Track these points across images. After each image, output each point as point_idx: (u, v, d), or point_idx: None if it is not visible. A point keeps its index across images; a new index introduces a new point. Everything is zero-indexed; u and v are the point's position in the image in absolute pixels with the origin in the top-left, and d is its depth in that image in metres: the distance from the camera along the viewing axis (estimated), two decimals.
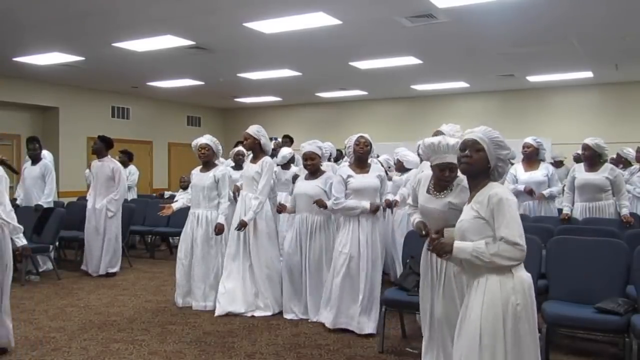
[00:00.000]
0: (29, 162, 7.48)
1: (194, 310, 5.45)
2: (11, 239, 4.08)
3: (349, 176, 4.75)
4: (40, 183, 7.30)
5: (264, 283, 5.28)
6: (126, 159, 9.69)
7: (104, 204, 7.11)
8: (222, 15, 6.40)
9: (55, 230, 6.87)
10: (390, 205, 5.13)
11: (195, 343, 4.45)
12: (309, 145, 5.06)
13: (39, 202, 7.14)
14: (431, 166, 3.26)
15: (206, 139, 5.68)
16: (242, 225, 5.20)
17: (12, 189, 10.28)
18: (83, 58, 8.67)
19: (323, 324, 4.86)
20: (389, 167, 6.62)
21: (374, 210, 4.68)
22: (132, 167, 9.78)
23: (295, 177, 5.74)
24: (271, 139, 6.34)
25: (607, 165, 5.90)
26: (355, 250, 4.64)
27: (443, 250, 2.55)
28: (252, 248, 5.30)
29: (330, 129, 13.39)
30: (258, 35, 7.12)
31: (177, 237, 8.64)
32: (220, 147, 5.77)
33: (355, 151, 4.80)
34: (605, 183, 5.76)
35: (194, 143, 5.74)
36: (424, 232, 3.20)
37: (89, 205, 7.21)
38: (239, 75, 10.18)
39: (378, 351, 4.24)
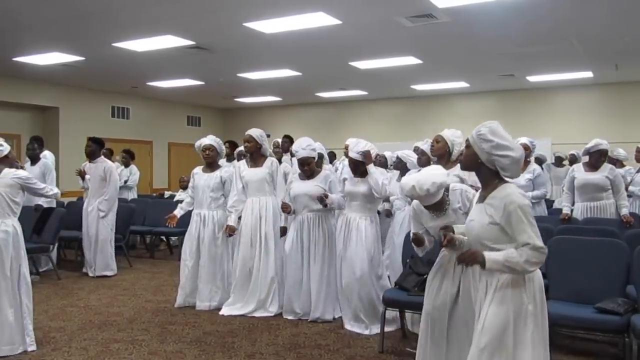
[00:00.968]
0: (29, 162, 7.48)
1: (197, 310, 5.45)
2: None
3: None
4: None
5: (264, 283, 5.28)
6: (128, 158, 9.70)
7: (95, 205, 7.11)
8: (222, 15, 6.40)
9: (55, 230, 6.86)
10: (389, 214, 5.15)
11: (195, 343, 4.45)
12: (303, 151, 4.97)
13: (39, 202, 7.13)
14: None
15: (210, 139, 5.66)
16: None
17: None
18: (83, 58, 8.67)
19: (323, 324, 4.88)
20: (391, 165, 6.61)
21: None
22: (133, 167, 9.78)
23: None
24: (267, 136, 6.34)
25: (607, 165, 5.90)
26: (350, 251, 4.69)
27: (475, 261, 2.47)
28: (268, 250, 5.30)
29: (330, 129, 13.39)
30: (258, 35, 7.13)
31: (177, 237, 8.70)
32: (223, 147, 5.78)
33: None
34: (606, 182, 5.76)
35: (197, 144, 5.72)
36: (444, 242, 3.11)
37: (84, 206, 7.24)
38: (239, 75, 10.18)
39: (378, 351, 4.24)
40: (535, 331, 2.43)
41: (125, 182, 9.41)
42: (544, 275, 4.10)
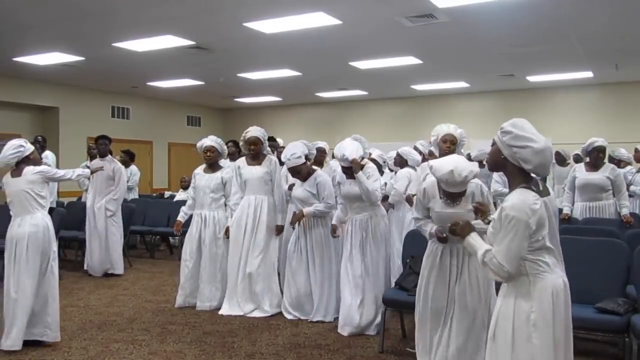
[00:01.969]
0: None
1: (198, 310, 5.45)
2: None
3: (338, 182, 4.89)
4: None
5: (265, 283, 5.28)
6: (128, 158, 9.69)
7: (102, 204, 7.11)
8: (222, 15, 6.40)
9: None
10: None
11: (195, 343, 4.45)
12: (289, 161, 4.96)
13: None
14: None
15: (211, 140, 5.66)
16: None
17: None
18: (83, 58, 8.67)
19: (323, 324, 4.89)
20: (384, 162, 6.62)
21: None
22: (133, 168, 9.76)
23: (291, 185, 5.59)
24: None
25: (608, 165, 5.90)
26: (357, 251, 4.67)
27: (463, 233, 2.57)
28: (263, 249, 5.30)
29: (330, 129, 13.39)
30: (258, 35, 7.12)
31: (177, 237, 8.70)
32: (225, 148, 5.77)
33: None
34: (606, 183, 5.75)
35: (199, 144, 5.73)
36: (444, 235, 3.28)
37: (88, 204, 7.21)
38: (239, 75, 10.18)
39: (378, 351, 4.25)
40: (538, 340, 2.31)
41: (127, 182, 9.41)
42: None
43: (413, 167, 6.15)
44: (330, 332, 4.70)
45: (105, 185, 7.17)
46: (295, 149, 5.01)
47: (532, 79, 10.52)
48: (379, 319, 4.56)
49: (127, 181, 9.46)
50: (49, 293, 4.26)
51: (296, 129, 13.67)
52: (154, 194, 12.01)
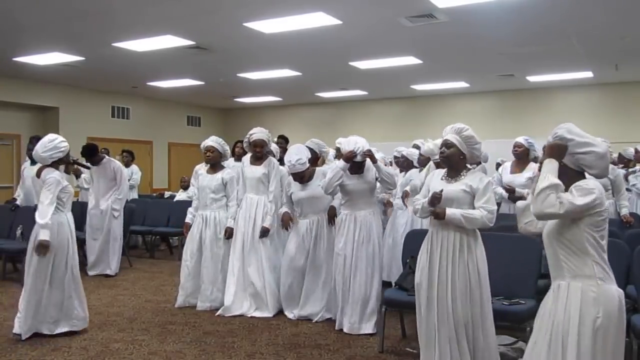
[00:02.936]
0: (28, 162, 7.47)
1: (198, 310, 5.45)
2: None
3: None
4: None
5: (264, 283, 5.28)
6: (129, 158, 9.69)
7: (109, 205, 7.10)
8: (222, 15, 6.40)
9: None
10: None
11: (195, 343, 4.45)
12: (294, 167, 4.96)
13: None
14: None
15: (212, 140, 5.65)
16: (265, 232, 5.24)
17: (12, 189, 10.30)
18: (83, 58, 8.68)
19: (323, 324, 4.89)
20: (386, 165, 6.60)
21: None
22: (134, 167, 9.77)
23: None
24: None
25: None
26: (350, 250, 4.67)
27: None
28: (256, 248, 5.30)
29: (330, 129, 13.36)
30: (258, 35, 7.13)
31: (177, 237, 8.70)
32: (227, 148, 5.74)
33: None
34: (606, 182, 5.75)
35: (202, 145, 5.74)
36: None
37: (90, 206, 7.20)
38: (239, 75, 10.18)
39: (378, 351, 4.24)
40: (604, 347, 2.28)
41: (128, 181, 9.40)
42: (544, 276, 4.13)
43: (418, 168, 6.14)
44: (330, 332, 4.70)
45: (107, 187, 7.15)
46: (300, 154, 5.00)
47: (532, 79, 10.53)
48: (376, 317, 4.59)
49: (128, 180, 9.48)
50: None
51: (296, 129, 13.65)
52: (154, 194, 12.00)
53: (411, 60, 8.82)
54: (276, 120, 14.17)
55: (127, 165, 9.66)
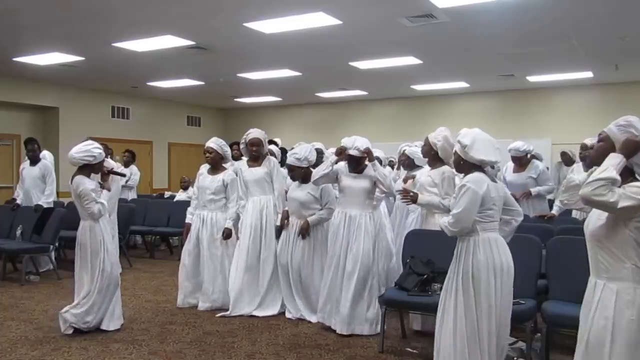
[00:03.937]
0: (27, 162, 7.48)
1: (199, 310, 5.45)
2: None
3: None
4: (40, 183, 7.30)
5: (269, 283, 5.29)
6: (129, 158, 9.69)
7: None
8: (223, 15, 6.40)
9: (55, 230, 6.86)
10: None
11: (195, 343, 4.45)
12: (289, 157, 5.08)
13: (39, 202, 7.14)
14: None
15: (212, 142, 5.65)
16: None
17: (12, 189, 10.30)
18: (83, 58, 8.67)
19: (323, 324, 4.89)
20: (389, 164, 6.59)
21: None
22: (133, 168, 9.77)
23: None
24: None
25: None
26: (338, 249, 4.69)
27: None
28: (267, 247, 5.31)
29: (330, 129, 13.37)
30: (258, 35, 7.12)
31: (177, 237, 8.70)
32: (227, 150, 5.73)
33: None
34: None
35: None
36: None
37: None
38: (239, 75, 10.18)
39: (378, 351, 4.25)
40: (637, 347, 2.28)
41: (126, 181, 9.39)
42: (544, 276, 4.15)
43: (420, 167, 6.12)
44: (330, 332, 4.70)
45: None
46: (305, 153, 5.05)
47: (532, 79, 10.52)
48: (376, 316, 4.59)
49: (127, 181, 9.48)
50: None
51: (296, 129, 13.67)
52: (154, 194, 12.00)
53: (411, 60, 8.82)
54: (276, 121, 14.17)
55: (126, 165, 9.67)
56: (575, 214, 5.87)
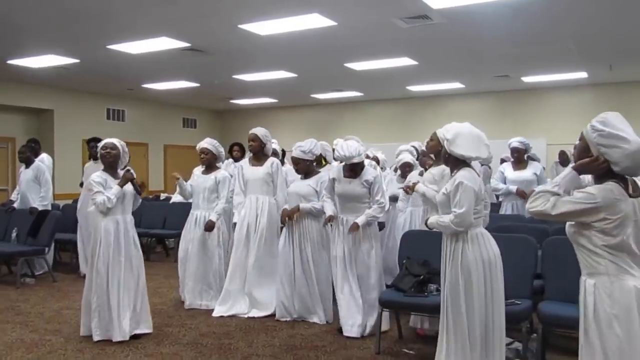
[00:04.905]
0: (23, 165, 7.46)
1: (189, 307, 5.46)
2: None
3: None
4: (34, 186, 7.27)
5: (265, 284, 5.29)
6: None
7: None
8: (218, 17, 6.40)
9: (50, 232, 6.85)
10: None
11: (192, 345, 4.44)
12: (294, 150, 5.08)
13: (34, 205, 7.11)
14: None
15: (206, 142, 5.70)
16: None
17: (7, 192, 10.27)
18: (78, 60, 8.65)
19: (320, 325, 4.89)
20: (383, 167, 6.60)
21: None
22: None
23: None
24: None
25: None
26: (341, 253, 4.68)
27: None
28: (257, 247, 5.31)
29: (326, 130, 13.37)
30: (253, 37, 7.13)
31: (173, 239, 8.68)
32: (221, 150, 5.78)
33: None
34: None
35: (197, 146, 5.77)
36: None
37: (79, 207, 7.18)
38: (234, 76, 10.17)
39: (375, 352, 4.25)
40: (618, 342, 2.32)
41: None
42: (539, 276, 4.15)
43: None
44: (327, 334, 4.70)
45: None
46: (310, 146, 5.06)
47: (527, 79, 10.56)
48: (370, 318, 4.61)
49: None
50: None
51: (292, 130, 13.66)
52: (150, 196, 11.98)
53: (406, 62, 8.83)
54: (272, 122, 14.12)
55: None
56: None
